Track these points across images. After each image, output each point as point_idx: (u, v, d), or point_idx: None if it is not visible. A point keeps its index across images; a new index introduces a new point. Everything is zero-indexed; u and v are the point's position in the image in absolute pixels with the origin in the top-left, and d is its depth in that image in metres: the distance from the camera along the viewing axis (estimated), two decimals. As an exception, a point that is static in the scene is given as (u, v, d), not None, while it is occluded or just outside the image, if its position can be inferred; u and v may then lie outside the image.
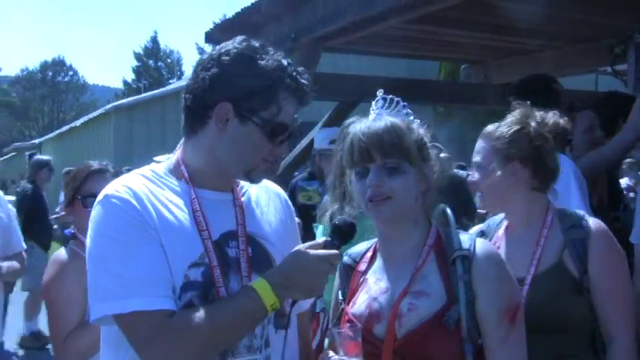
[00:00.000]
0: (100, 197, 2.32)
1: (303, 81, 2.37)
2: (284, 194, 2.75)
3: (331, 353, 2.40)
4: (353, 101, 8.52)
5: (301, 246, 2.36)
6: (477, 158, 3.13)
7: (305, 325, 2.79)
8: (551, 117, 3.08)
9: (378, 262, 2.62)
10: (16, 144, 42.75)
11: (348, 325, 2.40)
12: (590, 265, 2.85)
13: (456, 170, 12.04)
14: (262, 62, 2.31)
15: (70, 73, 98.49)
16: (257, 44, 2.36)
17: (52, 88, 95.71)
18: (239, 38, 2.37)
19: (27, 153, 36.26)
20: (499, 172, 3.03)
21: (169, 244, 2.25)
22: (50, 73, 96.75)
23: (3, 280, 4.57)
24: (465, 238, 2.50)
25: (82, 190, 3.62)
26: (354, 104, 8.30)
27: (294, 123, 2.41)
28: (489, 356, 2.39)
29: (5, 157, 46.98)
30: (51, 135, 38.15)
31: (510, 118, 3.06)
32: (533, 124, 2.99)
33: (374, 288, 2.54)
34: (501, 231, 3.17)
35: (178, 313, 2.20)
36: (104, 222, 2.28)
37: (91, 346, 2.96)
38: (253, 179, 2.44)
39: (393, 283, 2.50)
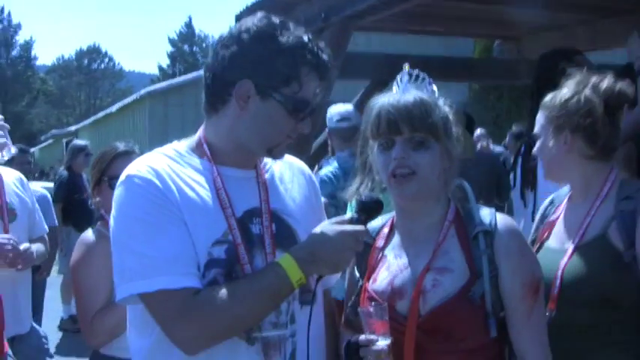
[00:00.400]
0: (122, 177, 2.32)
1: (324, 57, 2.35)
2: (309, 171, 2.73)
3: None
4: (385, 80, 8.46)
5: (327, 221, 2.36)
6: (536, 128, 3.11)
7: (331, 301, 2.78)
8: (606, 81, 2.97)
9: (397, 238, 2.60)
10: (53, 131, 43.18)
11: (373, 303, 2.38)
12: (637, 239, 2.76)
13: (492, 146, 11.99)
14: (283, 39, 2.29)
15: (106, 60, 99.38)
16: (277, 21, 2.34)
17: (88, 76, 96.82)
18: (259, 15, 2.35)
19: (64, 140, 36.59)
20: (552, 142, 2.99)
21: (192, 222, 2.25)
22: (86, 61, 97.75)
23: (33, 264, 4.63)
24: (486, 213, 2.48)
25: (108, 172, 3.65)
26: (386, 83, 8.24)
27: (316, 99, 2.39)
28: (514, 331, 2.40)
29: (43, 144, 47.52)
30: (87, 122, 38.44)
31: (565, 86, 3.00)
32: (586, 91, 2.91)
33: (394, 264, 2.52)
34: (565, 200, 3.12)
35: (204, 291, 2.20)
36: (127, 202, 2.28)
37: (118, 326, 2.97)
38: (275, 156, 2.43)
39: (414, 259, 2.48)
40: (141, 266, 2.19)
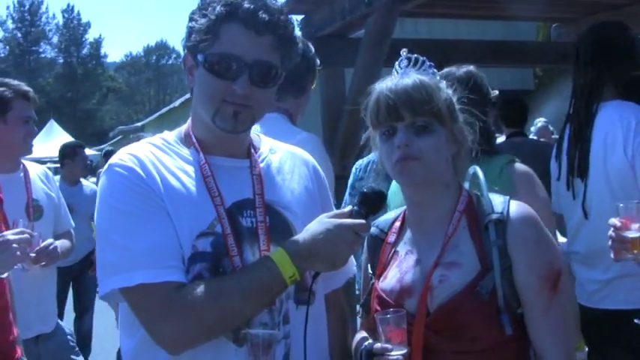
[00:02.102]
0: (105, 167, 2.21)
1: (246, 5, 2.12)
2: (313, 162, 2.55)
3: (370, 339, 2.26)
4: (437, 67, 8.23)
5: (325, 214, 2.19)
6: None
7: (340, 303, 2.61)
8: None
9: (408, 232, 2.42)
10: (121, 127, 43.84)
11: (391, 310, 2.20)
12: None
13: (555, 137, 11.62)
14: (213, 3, 2.14)
15: (174, 55, 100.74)
16: None
17: (156, 72, 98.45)
18: None
19: (132, 136, 37.17)
20: None
21: (176, 212, 2.12)
22: (154, 57, 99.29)
23: (58, 260, 4.54)
24: (499, 200, 2.29)
25: None
26: (438, 70, 8.01)
27: (249, 55, 2.14)
28: (531, 328, 2.22)
29: (112, 141, 48.37)
30: (152, 117, 39.00)
31: None
32: None
33: (405, 261, 2.35)
34: None
35: (188, 285, 2.05)
36: (108, 192, 2.16)
37: None
38: (219, 126, 2.19)
39: (425, 253, 2.31)
40: (121, 259, 2.07)
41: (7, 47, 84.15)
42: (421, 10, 7.79)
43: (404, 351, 2.13)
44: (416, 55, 2.35)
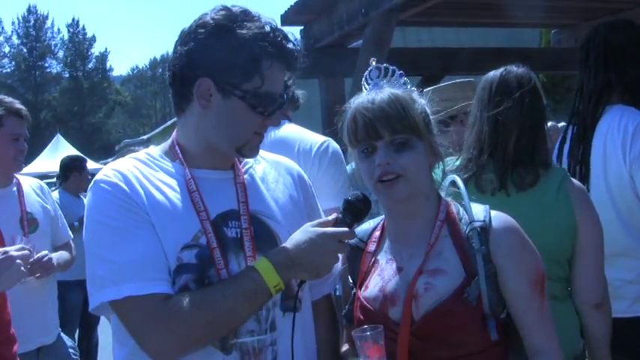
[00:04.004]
0: (91, 183, 2.25)
1: (289, 45, 2.21)
2: (298, 170, 2.59)
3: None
4: (435, 75, 8.26)
5: (310, 223, 2.22)
6: None
7: (329, 310, 2.63)
8: None
9: (388, 242, 2.43)
10: (126, 140, 43.96)
11: (367, 327, 2.19)
12: None
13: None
14: (242, 31, 2.16)
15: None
16: (238, 11, 2.21)
17: (162, 85, 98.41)
18: (218, 7, 2.22)
19: (135, 148, 37.25)
20: None
21: (161, 225, 2.15)
22: (160, 70, 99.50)
23: (56, 272, 4.62)
24: (479, 209, 2.31)
25: None
26: (437, 78, 8.04)
27: (286, 91, 2.27)
28: (527, 332, 2.25)
29: (118, 154, 48.54)
30: (158, 130, 39.11)
31: None
32: None
33: (387, 269, 2.36)
34: None
35: (175, 297, 2.09)
36: (94, 208, 2.21)
37: None
38: (246, 154, 2.30)
39: (407, 262, 2.31)
40: (109, 273, 2.11)
41: (13, 62, 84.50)
42: (419, 19, 7.84)
43: None
44: (385, 65, 2.36)
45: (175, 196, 2.21)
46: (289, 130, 3.71)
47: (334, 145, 3.62)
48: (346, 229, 2.18)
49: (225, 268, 2.18)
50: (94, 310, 2.20)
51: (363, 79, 2.38)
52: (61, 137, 29.04)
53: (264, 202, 2.35)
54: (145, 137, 41.31)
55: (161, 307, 2.06)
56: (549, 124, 9.78)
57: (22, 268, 3.54)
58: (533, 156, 3.05)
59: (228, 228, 2.24)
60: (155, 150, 2.36)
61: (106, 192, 2.17)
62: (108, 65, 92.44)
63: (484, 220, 2.26)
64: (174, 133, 2.37)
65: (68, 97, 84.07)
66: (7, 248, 3.58)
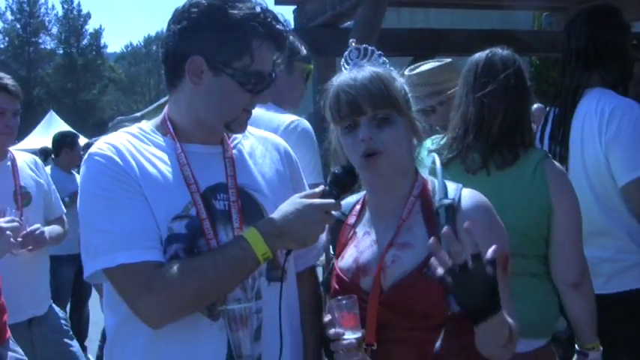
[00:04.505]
0: (85, 156, 2.33)
1: (278, 26, 2.30)
2: (284, 146, 2.68)
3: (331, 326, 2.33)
4: (426, 56, 8.29)
5: (297, 195, 2.32)
6: None
7: (312, 281, 2.73)
8: None
9: (367, 214, 2.54)
10: (119, 117, 43.87)
11: (341, 297, 2.30)
12: None
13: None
14: (233, 12, 2.25)
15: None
16: None
17: (156, 63, 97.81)
18: None
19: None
20: None
21: (152, 197, 2.24)
22: (154, 47, 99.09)
23: (48, 245, 4.72)
24: (452, 187, 2.41)
25: None
26: (429, 58, 8.07)
27: (275, 69, 2.36)
28: None
29: (111, 130, 48.44)
30: (151, 107, 39.06)
31: None
32: None
33: (362, 241, 2.47)
34: None
35: (166, 264, 2.19)
36: (88, 180, 2.29)
37: None
38: (234, 130, 2.40)
39: (381, 235, 2.43)
40: (103, 242, 2.20)
41: (7, 38, 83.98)
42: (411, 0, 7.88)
43: (358, 335, 2.24)
44: (365, 46, 2.45)
45: (167, 169, 2.30)
46: (260, 111, 3.76)
47: (305, 124, 3.68)
48: (332, 200, 2.27)
49: (214, 239, 2.27)
50: (88, 278, 2.30)
51: (343, 59, 2.47)
52: (54, 114, 29.02)
53: (251, 176, 2.44)
54: (138, 114, 41.18)
55: (153, 274, 2.15)
56: (535, 106, 9.81)
57: (12, 239, 3.62)
58: (515, 136, 3.14)
59: (217, 200, 2.33)
60: (147, 125, 2.45)
61: (100, 164, 2.26)
62: (102, 42, 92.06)
63: (453, 199, 2.35)
64: (165, 109, 2.46)
65: (62, 74, 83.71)
66: None
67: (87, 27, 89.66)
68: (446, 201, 2.35)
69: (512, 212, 2.66)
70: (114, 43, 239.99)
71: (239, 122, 2.37)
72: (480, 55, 3.26)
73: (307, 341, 2.60)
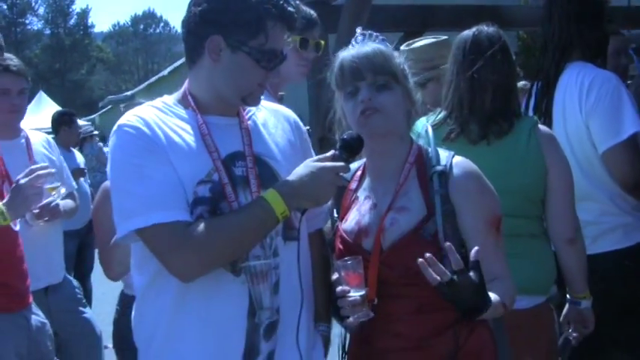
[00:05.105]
0: (114, 128, 2.54)
1: (289, 9, 2.52)
2: (294, 117, 2.90)
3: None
4: (417, 32, 8.47)
5: (310, 159, 2.55)
6: None
7: (321, 241, 2.97)
8: None
9: (368, 180, 2.79)
10: (110, 97, 43.76)
11: (347, 258, 2.55)
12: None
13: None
14: None
15: (162, 24, 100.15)
16: None
17: (144, 41, 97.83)
18: None
19: (121, 105, 37.17)
20: None
21: (178, 164, 2.46)
22: (142, 27, 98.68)
23: (62, 218, 4.93)
24: (444, 155, 2.67)
25: None
26: (418, 34, 8.26)
27: (286, 47, 2.59)
28: (484, 265, 2.47)
29: (102, 110, 48.31)
30: (142, 86, 39.10)
31: None
32: None
33: (364, 205, 2.73)
34: None
35: (195, 223, 2.41)
36: (119, 149, 2.50)
37: (124, 260, 3.10)
38: (249, 103, 2.62)
39: (380, 199, 2.69)
40: (136, 204, 2.41)
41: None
42: (402, -23, 8.04)
43: (362, 292, 2.50)
44: (370, 32, 2.71)
45: (190, 139, 2.52)
46: None
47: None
48: (342, 163, 2.49)
49: (235, 201, 2.50)
50: (121, 240, 2.51)
51: (350, 45, 2.72)
52: (44, 94, 28.98)
53: (266, 145, 2.67)
54: (129, 93, 41.16)
55: (184, 232, 2.37)
56: (521, 83, 10.01)
57: (33, 193, 3.84)
58: (508, 107, 3.39)
59: (236, 167, 2.56)
60: (169, 98, 2.66)
61: (130, 134, 2.47)
62: (89, 22, 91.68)
63: (445, 165, 2.61)
64: (185, 84, 2.67)
65: (50, 55, 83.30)
66: (18, 177, 3.88)
67: (73, 7, 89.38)
68: (438, 168, 2.62)
69: (513, 176, 2.91)
70: (101, 23, 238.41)
71: (254, 96, 2.60)
72: (467, 34, 3.49)
73: (317, 295, 2.84)
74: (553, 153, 3.36)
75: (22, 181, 3.82)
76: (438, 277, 2.30)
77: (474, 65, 3.39)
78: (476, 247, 2.39)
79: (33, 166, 4.03)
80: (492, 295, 2.43)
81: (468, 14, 8.92)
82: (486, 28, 3.46)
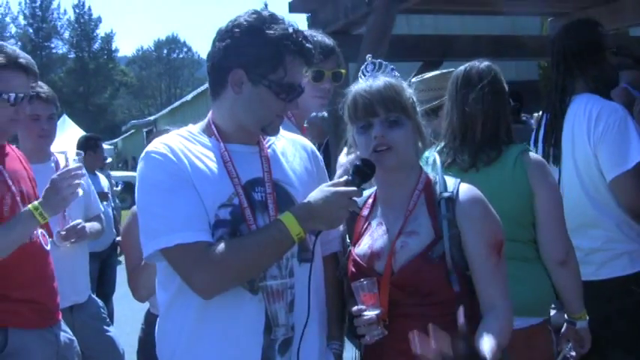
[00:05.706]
0: (142, 155, 2.72)
1: (308, 45, 2.69)
2: (311, 147, 3.07)
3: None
4: (436, 61, 8.63)
5: (325, 184, 2.69)
6: None
7: (334, 264, 3.08)
8: None
9: (379, 207, 2.94)
10: (133, 121, 44.16)
11: (363, 279, 2.69)
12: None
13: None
14: (269, 32, 2.63)
15: (185, 49, 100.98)
16: (267, 15, 2.68)
17: (167, 66, 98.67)
18: (250, 11, 2.71)
19: (144, 130, 37.59)
20: None
21: (202, 188, 2.62)
22: (165, 51, 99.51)
23: (87, 240, 5.11)
24: (451, 182, 2.82)
25: None
26: (438, 64, 8.43)
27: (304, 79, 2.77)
28: (483, 286, 2.69)
29: (124, 135, 48.71)
30: (165, 111, 39.41)
31: None
32: None
33: (376, 231, 2.87)
34: None
35: (216, 243, 2.56)
36: (147, 174, 2.67)
37: (151, 280, 3.25)
38: (269, 132, 2.79)
39: (391, 224, 2.82)
40: (162, 225, 2.58)
41: (19, 43, 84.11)
42: (419, 7, 8.20)
43: (377, 311, 2.64)
44: (379, 61, 2.85)
45: (213, 165, 2.68)
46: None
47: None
48: (355, 188, 2.62)
49: (254, 224, 2.65)
50: (147, 258, 2.68)
51: (360, 72, 2.88)
52: (67, 117, 29.34)
53: (284, 172, 2.82)
54: (151, 118, 41.54)
55: (205, 252, 2.53)
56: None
57: (68, 188, 3.91)
58: (497, 136, 3.59)
59: (255, 192, 2.71)
60: (195, 127, 2.83)
61: (157, 161, 2.64)
62: (113, 46, 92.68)
63: (452, 192, 2.76)
64: (209, 114, 2.84)
65: (74, 78, 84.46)
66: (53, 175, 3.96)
67: (98, 31, 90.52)
68: (445, 194, 2.76)
69: (500, 201, 3.05)
70: (124, 47, 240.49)
71: (273, 126, 2.76)
72: (459, 70, 3.75)
73: (330, 315, 2.98)
74: (539, 178, 3.51)
75: (58, 179, 3.92)
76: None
77: (465, 99, 3.62)
78: (461, 307, 2.43)
79: (69, 167, 4.07)
80: (487, 343, 2.48)
81: (487, 44, 9.10)
82: (478, 64, 3.70)
